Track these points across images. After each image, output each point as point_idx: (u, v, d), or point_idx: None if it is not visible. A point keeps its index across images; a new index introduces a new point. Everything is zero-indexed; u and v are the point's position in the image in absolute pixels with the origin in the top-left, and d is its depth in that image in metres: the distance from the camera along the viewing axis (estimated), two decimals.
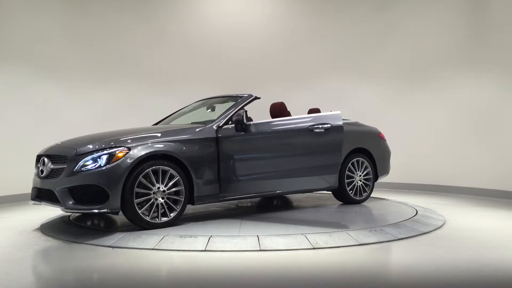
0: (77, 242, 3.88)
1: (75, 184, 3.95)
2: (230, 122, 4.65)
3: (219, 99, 5.54)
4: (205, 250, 3.52)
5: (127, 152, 3.99)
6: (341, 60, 8.35)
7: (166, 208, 4.13)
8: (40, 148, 4.81)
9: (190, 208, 5.44)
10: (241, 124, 4.55)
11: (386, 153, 6.06)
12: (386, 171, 6.07)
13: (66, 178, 3.99)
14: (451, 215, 5.07)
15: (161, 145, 4.16)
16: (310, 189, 5.16)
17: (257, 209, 5.44)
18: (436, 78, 7.62)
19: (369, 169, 5.71)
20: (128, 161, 3.95)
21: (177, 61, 8.32)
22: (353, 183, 5.56)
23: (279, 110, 5.53)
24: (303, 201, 6.01)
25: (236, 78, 8.25)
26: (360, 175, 5.62)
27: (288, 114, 5.56)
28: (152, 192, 4.05)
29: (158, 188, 4.07)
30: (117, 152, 3.99)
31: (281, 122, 4.78)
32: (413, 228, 4.23)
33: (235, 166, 4.51)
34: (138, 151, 4.02)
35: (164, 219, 4.12)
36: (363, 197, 5.66)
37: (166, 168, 4.11)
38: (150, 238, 3.78)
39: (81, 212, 4.18)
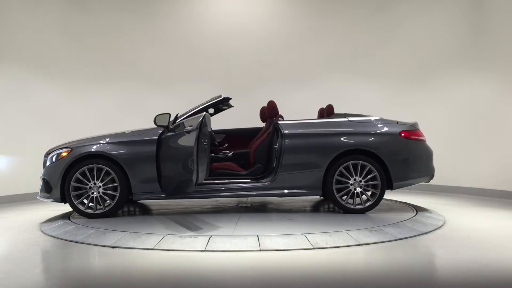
0: (77, 242, 3.88)
1: (41, 177, 4.89)
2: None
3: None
4: (205, 250, 3.52)
5: (70, 152, 4.73)
6: (341, 60, 8.34)
7: (101, 201, 4.71)
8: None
9: (189, 208, 5.44)
10: (162, 126, 4.70)
11: (411, 154, 5.00)
12: (412, 175, 5.03)
13: (42, 172, 4.92)
14: (451, 215, 5.07)
15: (101, 146, 4.76)
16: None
17: (257, 209, 5.44)
18: (436, 78, 7.62)
19: (375, 173, 4.82)
20: (67, 159, 4.68)
21: (177, 61, 8.32)
22: (350, 190, 4.84)
23: (268, 109, 5.48)
24: (303, 202, 6.01)
25: (236, 78, 8.25)
26: (361, 181, 4.83)
27: (276, 112, 5.40)
28: (87, 186, 4.68)
29: (94, 183, 4.66)
30: (62, 152, 4.77)
31: (181, 123, 4.69)
32: (413, 228, 4.23)
33: (165, 167, 4.60)
34: (76, 152, 4.72)
35: (99, 211, 4.72)
36: (364, 206, 4.85)
37: (102, 166, 4.68)
38: (150, 238, 3.79)
39: (42, 200, 4.95)
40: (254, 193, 4.92)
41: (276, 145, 5.03)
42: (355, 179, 4.84)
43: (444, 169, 7.39)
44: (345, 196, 4.87)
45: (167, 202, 5.91)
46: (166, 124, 4.66)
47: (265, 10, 8.59)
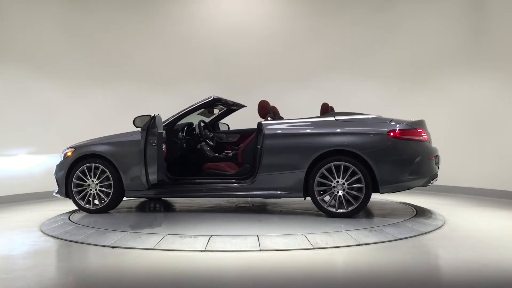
0: (77, 242, 3.88)
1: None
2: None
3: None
4: (205, 250, 3.52)
5: (73, 152, 5.13)
6: (341, 60, 8.34)
7: (98, 198, 5.04)
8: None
9: (189, 208, 5.44)
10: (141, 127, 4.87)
11: (401, 155, 4.56)
12: (403, 178, 4.55)
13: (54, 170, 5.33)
14: (451, 215, 5.07)
15: (98, 147, 5.07)
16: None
17: (257, 209, 5.44)
18: (437, 78, 7.62)
19: (359, 175, 4.48)
20: (70, 158, 5.09)
21: (177, 61, 8.32)
22: (333, 193, 4.56)
23: (258, 109, 5.38)
24: (303, 203, 6.01)
25: (236, 78, 8.25)
26: (344, 183, 4.51)
27: (266, 112, 5.26)
28: (86, 184, 5.02)
29: (92, 181, 5.00)
30: (68, 151, 5.20)
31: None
32: (413, 228, 4.23)
33: (151, 166, 4.69)
34: (78, 151, 5.10)
35: (95, 207, 5.03)
36: (346, 210, 4.52)
37: (98, 165, 5.00)
38: (150, 238, 3.79)
39: (55, 196, 5.32)
40: (235, 193, 4.94)
41: (259, 145, 4.93)
42: (338, 182, 4.55)
43: (444, 169, 7.38)
44: (327, 199, 4.62)
45: (181, 201, 6.03)
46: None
47: (265, 10, 8.59)
